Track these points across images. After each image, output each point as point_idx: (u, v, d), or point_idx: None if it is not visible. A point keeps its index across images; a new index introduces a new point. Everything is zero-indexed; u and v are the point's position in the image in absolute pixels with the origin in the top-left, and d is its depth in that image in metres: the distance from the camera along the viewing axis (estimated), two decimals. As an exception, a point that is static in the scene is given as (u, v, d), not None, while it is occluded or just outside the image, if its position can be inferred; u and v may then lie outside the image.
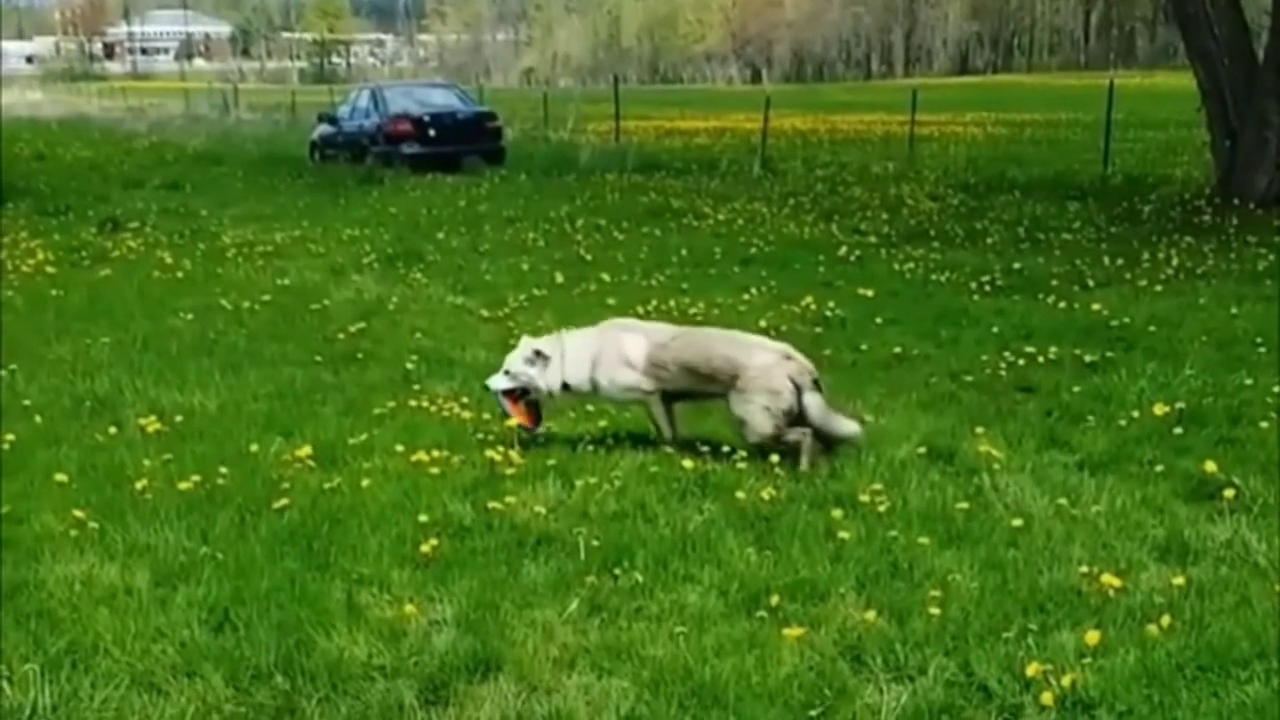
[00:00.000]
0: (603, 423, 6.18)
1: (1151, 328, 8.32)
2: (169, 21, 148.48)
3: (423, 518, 4.79)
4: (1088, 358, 7.44)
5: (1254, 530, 4.59)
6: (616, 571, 4.31)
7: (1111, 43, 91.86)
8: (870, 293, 9.81)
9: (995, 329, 8.43)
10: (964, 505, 4.89)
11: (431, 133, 22.22)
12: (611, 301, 9.27)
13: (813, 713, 3.41)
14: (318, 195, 18.42)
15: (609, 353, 5.70)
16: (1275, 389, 6.51)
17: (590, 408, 6.28)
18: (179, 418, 6.36)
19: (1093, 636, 3.65)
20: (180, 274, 11.36)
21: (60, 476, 5.27)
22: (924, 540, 4.50)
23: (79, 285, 10.67)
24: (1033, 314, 8.97)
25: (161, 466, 5.49)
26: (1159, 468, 5.33)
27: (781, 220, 14.69)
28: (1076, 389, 6.72)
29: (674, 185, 18.91)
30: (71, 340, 8.37)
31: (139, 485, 5.18)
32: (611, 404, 6.05)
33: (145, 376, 7.28)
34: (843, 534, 4.57)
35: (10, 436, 5.96)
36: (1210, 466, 5.11)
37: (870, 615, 3.91)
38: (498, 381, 5.80)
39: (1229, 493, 4.87)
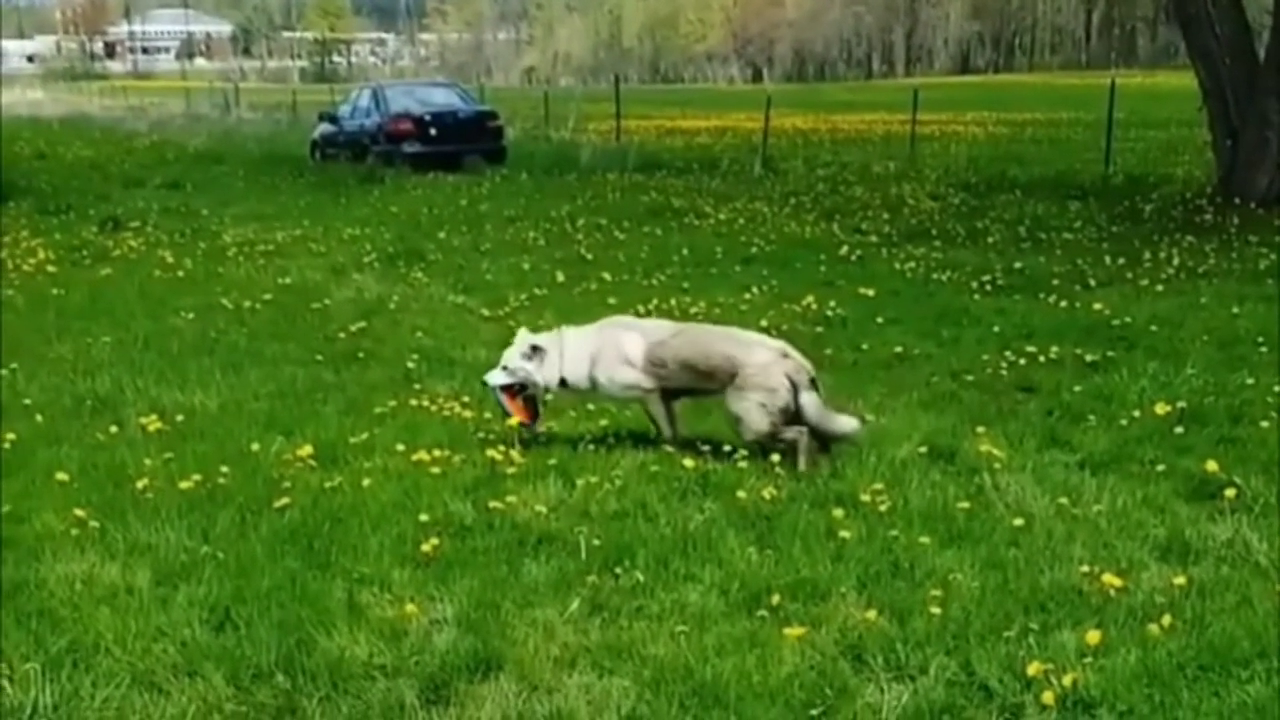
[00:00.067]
0: (604, 422, 6.17)
1: (1153, 327, 8.32)
2: (170, 21, 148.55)
3: (424, 517, 4.79)
4: (1089, 357, 7.44)
5: (1255, 530, 4.59)
6: (617, 571, 4.31)
7: (1113, 42, 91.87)
8: (871, 292, 9.81)
9: (996, 328, 8.43)
10: (965, 505, 4.89)
11: (432, 132, 22.22)
12: (612, 301, 9.27)
13: (814, 712, 3.41)
14: (319, 194, 18.43)
15: (608, 350, 5.70)
16: (1276, 388, 6.51)
17: (591, 406, 6.28)
18: (180, 417, 6.36)
19: (1094, 636, 3.65)
20: (181, 273, 11.37)
21: (61, 475, 5.27)
22: (925, 540, 4.50)
23: (80, 284, 10.67)
24: (1034, 313, 8.96)
25: (162, 466, 5.49)
26: (1160, 467, 5.33)
27: (783, 219, 14.68)
28: (1078, 388, 6.72)
29: (675, 184, 18.91)
30: (72, 339, 8.37)
31: (140, 484, 5.18)
32: (611, 402, 6.05)
33: (146, 376, 7.28)
34: (844, 533, 4.57)
35: (11, 435, 5.96)
36: (1211, 466, 5.11)
37: (871, 615, 3.90)
38: (495, 377, 5.80)
39: (1230, 492, 4.86)
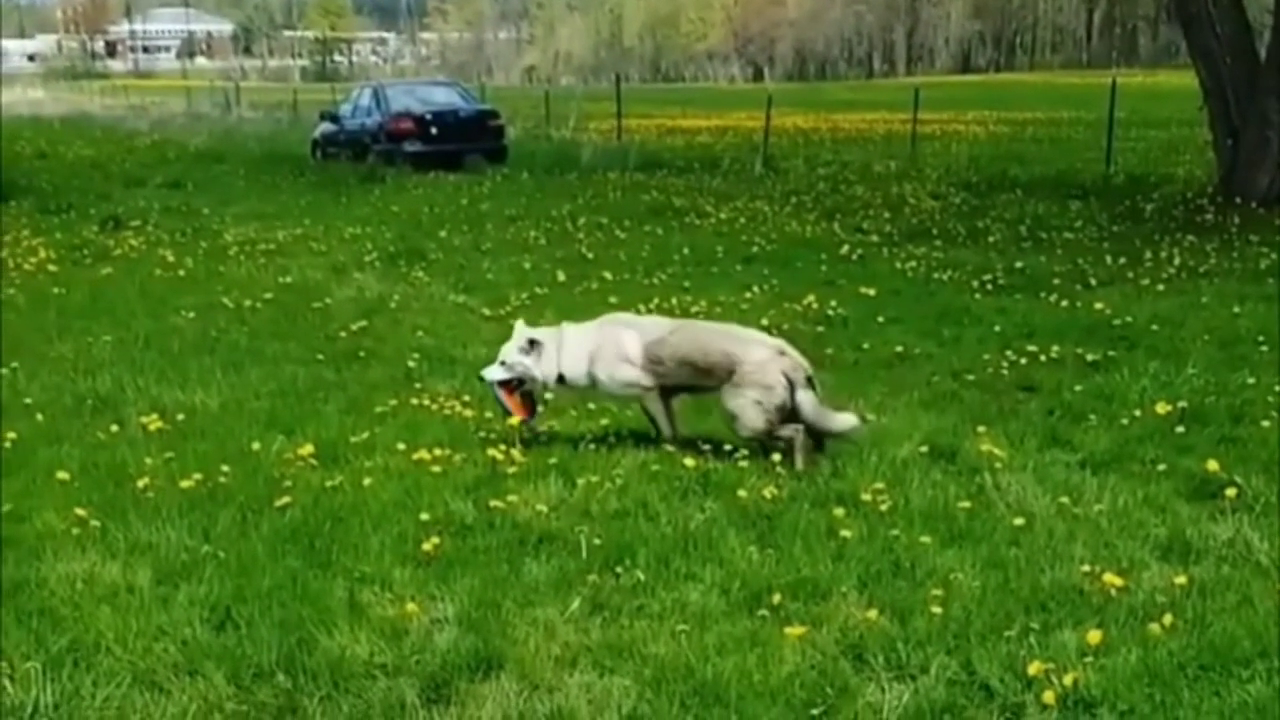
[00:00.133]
0: (604, 421, 6.17)
1: (1154, 326, 8.32)
2: (171, 19, 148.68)
3: (424, 516, 4.79)
4: (1090, 357, 7.44)
5: (1256, 529, 4.59)
6: (618, 570, 4.31)
7: (1114, 41, 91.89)
8: (872, 291, 9.81)
9: (997, 328, 8.43)
10: (966, 504, 4.88)
11: (433, 131, 22.22)
12: (613, 300, 9.26)
13: (814, 711, 3.41)
14: (319, 193, 18.43)
15: (607, 348, 5.70)
16: (1277, 388, 6.51)
17: (592, 406, 6.28)
18: (181, 416, 6.36)
19: (1094, 635, 3.65)
20: (182, 272, 11.37)
21: (62, 475, 5.27)
22: (926, 539, 4.50)
23: (81, 283, 10.67)
24: (1035, 313, 8.96)
25: (163, 465, 5.49)
26: (1161, 467, 5.32)
27: (783, 219, 14.68)
28: (1078, 388, 6.71)
29: (676, 184, 18.91)
30: (73, 338, 8.38)
31: (141, 483, 5.18)
32: (610, 400, 6.05)
33: (147, 375, 7.28)
34: (844, 533, 4.57)
35: (12, 435, 5.96)
36: (1212, 465, 5.10)
37: (872, 614, 3.90)
38: (493, 373, 5.79)
39: (1231, 492, 4.86)
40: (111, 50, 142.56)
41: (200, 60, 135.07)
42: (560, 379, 5.73)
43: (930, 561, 4.34)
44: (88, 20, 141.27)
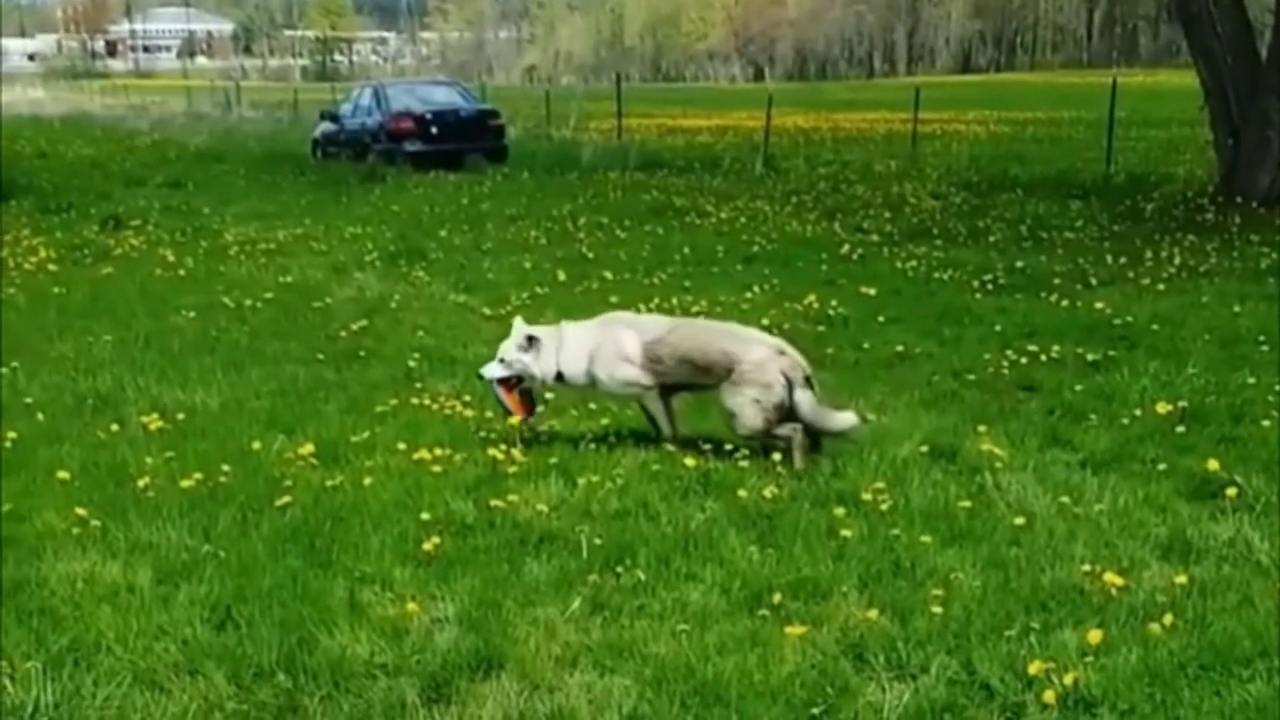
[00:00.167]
0: (605, 421, 6.17)
1: (1154, 326, 8.31)
2: (171, 19, 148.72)
3: (425, 516, 4.79)
4: (1090, 356, 7.44)
5: (1256, 529, 4.59)
6: (619, 570, 4.31)
7: (1114, 41, 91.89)
8: (873, 291, 9.81)
9: (998, 327, 8.43)
10: (966, 504, 4.88)
11: (434, 130, 22.22)
12: (614, 299, 9.26)
13: (815, 711, 3.41)
14: (320, 193, 18.43)
15: (607, 347, 5.69)
16: (1278, 387, 6.51)
17: (593, 405, 6.28)
18: (181, 415, 6.36)
19: (1095, 635, 3.65)
20: (182, 272, 11.37)
21: (62, 474, 5.27)
22: (926, 539, 4.50)
23: (81, 283, 10.67)
24: (1035, 312, 8.96)
25: (164, 464, 5.49)
26: (1161, 466, 5.32)
27: (784, 218, 14.68)
28: (1079, 387, 6.71)
29: (676, 183, 18.91)
30: (73, 338, 8.38)
31: (141, 483, 5.18)
32: (609, 399, 6.04)
33: (147, 374, 7.28)
34: (845, 532, 4.57)
35: (12, 434, 5.96)
36: (1213, 465, 5.10)
37: (872, 614, 3.90)
38: (492, 370, 5.79)
39: (1231, 491, 4.86)
40: (112, 50, 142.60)
41: (201, 60, 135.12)
42: (559, 377, 5.73)
43: (931, 561, 4.34)
44: (88, 20, 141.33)
